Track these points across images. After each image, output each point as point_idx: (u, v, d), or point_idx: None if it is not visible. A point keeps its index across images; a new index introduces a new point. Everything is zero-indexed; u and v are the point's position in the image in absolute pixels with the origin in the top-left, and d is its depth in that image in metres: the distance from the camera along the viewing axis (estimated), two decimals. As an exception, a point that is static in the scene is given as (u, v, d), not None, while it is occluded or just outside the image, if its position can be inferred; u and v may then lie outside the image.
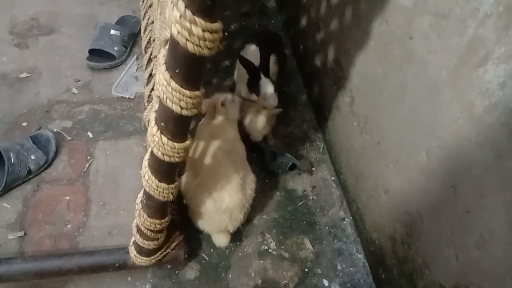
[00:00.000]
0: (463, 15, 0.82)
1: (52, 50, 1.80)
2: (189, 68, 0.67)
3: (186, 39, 0.60)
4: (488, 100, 0.78)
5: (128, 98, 1.67)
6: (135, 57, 1.82)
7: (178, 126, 0.77)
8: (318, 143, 1.65)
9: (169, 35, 0.67)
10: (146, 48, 1.74)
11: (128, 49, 1.82)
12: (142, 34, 1.81)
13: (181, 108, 0.72)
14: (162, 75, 0.69)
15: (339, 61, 1.44)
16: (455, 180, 0.90)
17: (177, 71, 0.67)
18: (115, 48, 1.74)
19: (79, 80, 1.70)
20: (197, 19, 0.58)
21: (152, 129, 0.79)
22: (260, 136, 1.47)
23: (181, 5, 0.57)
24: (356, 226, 1.41)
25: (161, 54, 0.72)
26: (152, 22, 1.70)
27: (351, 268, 1.32)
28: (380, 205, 1.24)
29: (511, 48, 0.72)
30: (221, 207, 1.19)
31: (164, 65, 0.69)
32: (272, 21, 2.09)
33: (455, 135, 0.88)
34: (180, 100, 0.70)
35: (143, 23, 1.82)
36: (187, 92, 0.69)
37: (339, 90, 1.46)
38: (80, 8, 2.00)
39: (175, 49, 0.64)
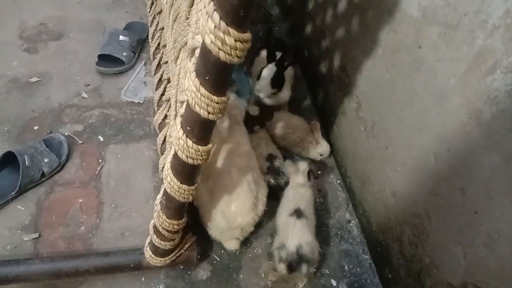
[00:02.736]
0: (472, 27, 0.87)
1: (62, 55, 1.83)
2: (219, 75, 0.70)
3: (219, 48, 0.64)
4: (496, 107, 0.83)
5: (137, 102, 1.70)
6: (143, 62, 1.85)
7: (204, 130, 0.81)
8: (323, 147, 1.69)
9: (198, 44, 0.71)
10: (154, 53, 1.78)
11: (136, 55, 1.85)
12: (150, 40, 1.85)
13: (208, 113, 0.75)
14: (192, 82, 0.72)
15: (345, 68, 1.49)
16: (463, 182, 0.94)
17: (207, 78, 0.71)
18: (124, 54, 1.78)
19: (89, 85, 1.73)
20: (230, 29, 0.62)
21: (178, 132, 0.82)
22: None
23: (216, 16, 0.61)
24: (362, 228, 1.45)
25: (191, 62, 0.75)
26: (162, 29, 1.74)
27: (358, 269, 1.36)
28: (387, 207, 1.28)
29: (519, 58, 0.77)
30: (233, 225, 1.23)
31: (194, 72, 0.72)
32: (277, 28, 2.14)
33: (464, 140, 0.93)
34: (208, 105, 0.74)
35: (151, 29, 1.86)
36: (215, 98, 0.73)
37: (345, 96, 1.51)
38: (88, 14, 2.03)
39: (207, 58, 0.67)
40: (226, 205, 1.21)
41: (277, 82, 1.53)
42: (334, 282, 1.32)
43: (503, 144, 0.83)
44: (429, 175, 1.06)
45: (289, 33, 2.11)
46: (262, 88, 1.53)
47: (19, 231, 1.31)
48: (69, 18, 2.00)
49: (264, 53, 1.65)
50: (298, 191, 1.37)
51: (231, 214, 1.21)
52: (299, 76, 1.90)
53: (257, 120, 1.55)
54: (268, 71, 1.51)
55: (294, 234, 1.25)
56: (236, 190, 1.21)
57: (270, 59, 1.54)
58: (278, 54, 1.55)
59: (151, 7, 1.94)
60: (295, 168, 1.42)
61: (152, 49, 1.80)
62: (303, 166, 1.43)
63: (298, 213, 1.29)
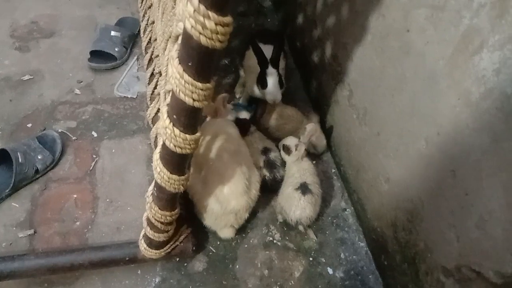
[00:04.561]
0: (458, 6, 0.86)
1: (54, 52, 1.83)
2: (201, 61, 0.70)
3: (199, 33, 0.64)
4: (484, 87, 0.83)
5: (130, 97, 1.70)
6: (135, 57, 1.85)
7: (190, 118, 0.81)
8: (317, 137, 1.68)
9: (181, 30, 0.70)
10: (146, 48, 1.77)
11: (128, 50, 1.85)
12: (142, 35, 1.84)
13: (193, 100, 0.75)
14: (175, 69, 0.72)
15: (337, 56, 1.48)
16: (454, 165, 0.94)
17: (189, 64, 0.70)
18: (116, 49, 1.77)
19: (82, 81, 1.73)
20: (210, 13, 0.62)
21: (165, 121, 0.82)
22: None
23: (195, 0, 0.61)
24: (357, 215, 1.45)
25: (174, 49, 0.75)
26: (152, 23, 1.73)
27: (354, 256, 1.36)
28: (381, 194, 1.28)
29: (505, 36, 0.76)
30: (227, 209, 1.23)
31: (177, 59, 0.72)
32: (269, 20, 2.13)
33: (453, 122, 0.92)
34: (192, 92, 0.73)
35: (143, 24, 1.85)
36: (199, 84, 0.73)
37: (338, 84, 1.50)
38: (79, 11, 2.03)
39: (188, 43, 0.67)
40: (219, 188, 1.21)
41: (282, 81, 1.51)
42: (330, 270, 1.32)
43: (492, 124, 0.82)
44: (421, 159, 1.06)
45: (282, 25, 2.10)
46: (275, 94, 1.49)
47: (14, 228, 1.31)
48: (61, 16, 2.00)
49: None
50: (300, 166, 1.41)
51: (224, 197, 1.21)
52: (292, 67, 1.89)
53: (250, 121, 1.55)
54: (273, 77, 1.47)
55: (297, 209, 1.31)
56: (228, 172, 1.22)
57: (263, 63, 1.51)
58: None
59: (142, 2, 1.93)
60: (288, 148, 1.45)
61: (144, 43, 1.79)
62: (293, 141, 1.45)
63: (304, 188, 1.32)
